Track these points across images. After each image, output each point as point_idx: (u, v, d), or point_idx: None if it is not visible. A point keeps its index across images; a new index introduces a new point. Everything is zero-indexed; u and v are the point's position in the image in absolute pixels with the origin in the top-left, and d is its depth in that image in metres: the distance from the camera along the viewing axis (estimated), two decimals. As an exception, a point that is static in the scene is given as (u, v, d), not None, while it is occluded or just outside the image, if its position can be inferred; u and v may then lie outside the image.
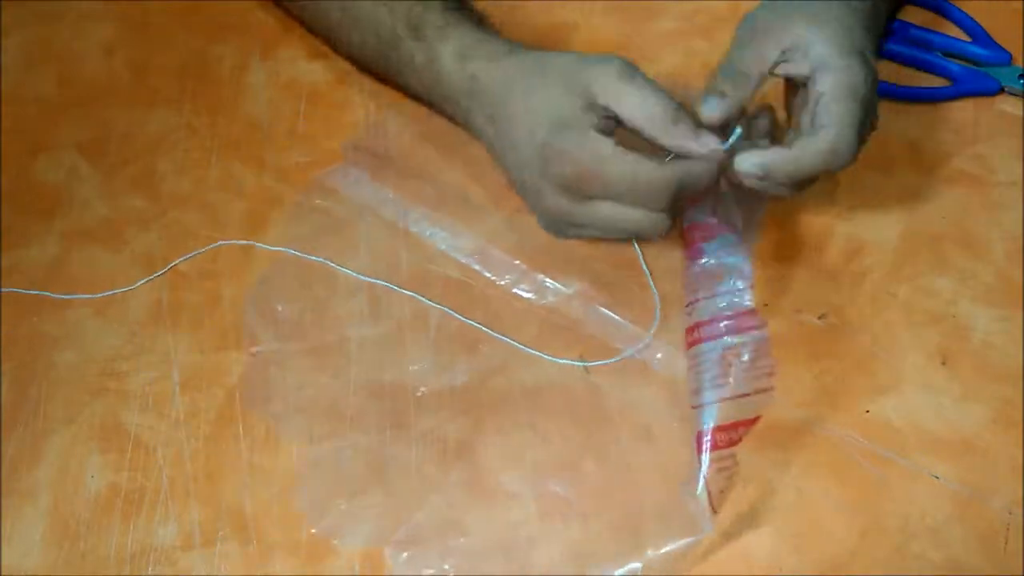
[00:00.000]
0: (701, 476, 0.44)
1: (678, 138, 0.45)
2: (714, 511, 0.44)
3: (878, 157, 0.55)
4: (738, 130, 0.47)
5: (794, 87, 0.50)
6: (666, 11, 0.64)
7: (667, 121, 0.45)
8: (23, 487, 0.50)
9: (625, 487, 0.48)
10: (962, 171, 0.56)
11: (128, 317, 0.54)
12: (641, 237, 0.51)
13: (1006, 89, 0.59)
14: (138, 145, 0.61)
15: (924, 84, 0.60)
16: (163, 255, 0.56)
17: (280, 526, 0.48)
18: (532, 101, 0.48)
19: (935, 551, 0.45)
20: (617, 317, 0.53)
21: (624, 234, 0.48)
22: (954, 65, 0.60)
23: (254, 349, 0.53)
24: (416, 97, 0.57)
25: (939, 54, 0.61)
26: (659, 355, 0.51)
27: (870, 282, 0.53)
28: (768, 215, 0.54)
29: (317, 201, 0.57)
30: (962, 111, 0.58)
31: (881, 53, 0.59)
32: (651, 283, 0.53)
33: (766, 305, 0.52)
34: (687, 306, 0.48)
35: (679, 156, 0.46)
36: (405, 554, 0.47)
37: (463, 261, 0.55)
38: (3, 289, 0.55)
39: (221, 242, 0.56)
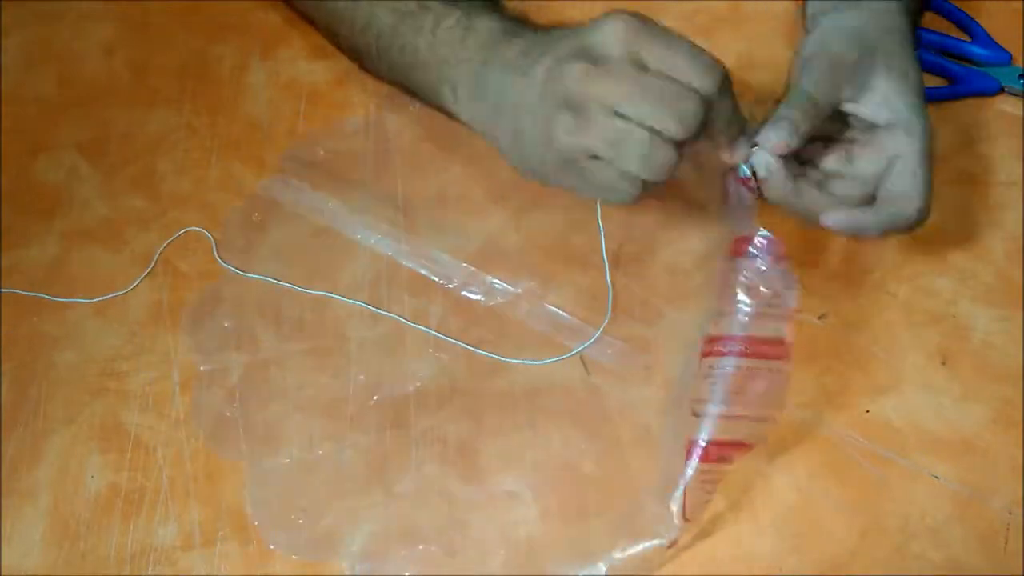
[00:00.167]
0: (682, 482, 0.44)
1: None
2: (686, 519, 0.44)
3: (878, 157, 0.55)
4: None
5: (842, 122, 0.50)
6: (666, 11, 0.64)
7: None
8: (23, 487, 0.50)
9: (625, 487, 0.48)
10: (962, 171, 0.56)
11: (128, 317, 0.54)
12: (649, 169, 0.44)
13: (1006, 89, 0.59)
14: (138, 145, 0.61)
15: (924, 84, 0.60)
16: (163, 256, 0.56)
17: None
18: (565, 39, 0.47)
19: (935, 551, 0.46)
20: (565, 314, 0.53)
21: (631, 161, 0.44)
22: (954, 65, 0.60)
23: (203, 367, 0.53)
24: (410, 78, 0.56)
25: (939, 54, 0.61)
26: (609, 351, 0.52)
27: (870, 282, 0.53)
28: (769, 215, 0.54)
29: (256, 214, 0.57)
30: (962, 111, 0.58)
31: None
32: (607, 275, 0.53)
33: (766, 305, 0.52)
34: (714, 315, 0.47)
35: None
36: (408, 551, 0.47)
37: (409, 266, 0.55)
38: (3, 290, 0.55)
39: (188, 228, 0.57)
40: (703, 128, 0.44)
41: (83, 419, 0.51)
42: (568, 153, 0.45)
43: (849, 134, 0.50)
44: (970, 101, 0.59)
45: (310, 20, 0.63)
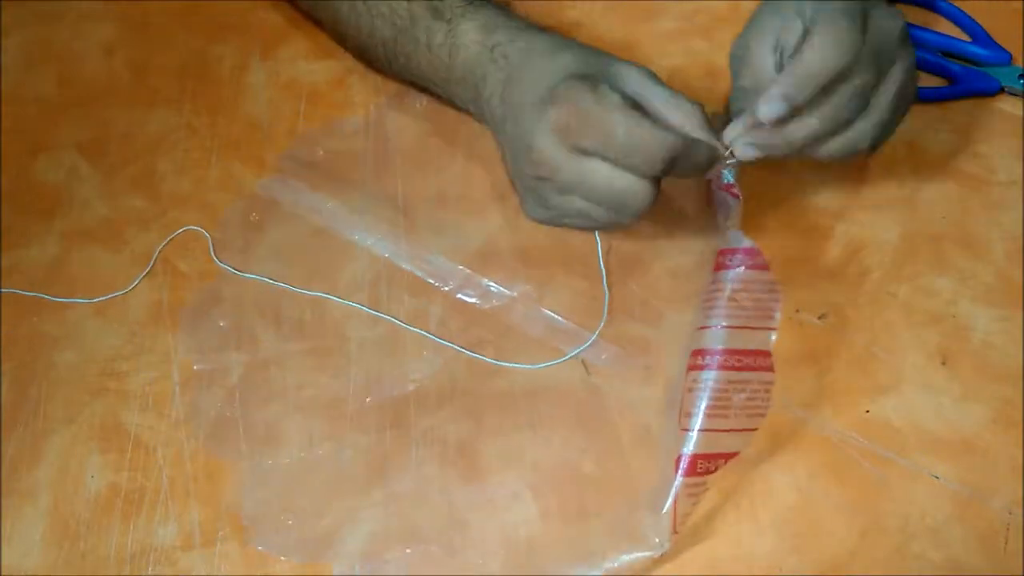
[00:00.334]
0: (671, 495, 0.44)
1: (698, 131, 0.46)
2: (675, 531, 0.44)
3: (878, 157, 0.55)
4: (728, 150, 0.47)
5: None
6: (666, 11, 0.64)
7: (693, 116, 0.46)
8: (23, 487, 0.50)
9: (625, 488, 0.48)
10: (962, 171, 0.56)
11: (128, 317, 0.54)
12: (624, 209, 0.46)
13: (1006, 89, 0.59)
14: (138, 145, 0.61)
15: (924, 84, 0.60)
16: (163, 255, 0.56)
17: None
18: (554, 61, 0.48)
19: (935, 551, 0.46)
20: (560, 318, 0.53)
21: (608, 202, 0.46)
22: (954, 65, 0.60)
23: (196, 366, 0.53)
24: (423, 83, 0.57)
25: (939, 54, 0.61)
26: (604, 356, 0.51)
27: (870, 282, 0.53)
28: (769, 215, 0.55)
29: (254, 214, 0.57)
30: (962, 111, 0.58)
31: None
32: (604, 282, 0.53)
33: (766, 305, 0.52)
34: (699, 328, 0.47)
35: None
36: (408, 551, 0.47)
37: (406, 268, 0.55)
38: (3, 290, 0.55)
39: (187, 227, 0.57)
40: (657, 198, 0.45)
41: (83, 419, 0.51)
42: (541, 219, 0.50)
43: None
44: (970, 101, 0.59)
45: (316, 21, 0.63)
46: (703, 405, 0.44)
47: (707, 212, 0.54)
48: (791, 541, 0.46)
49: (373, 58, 0.59)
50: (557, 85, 0.46)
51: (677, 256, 0.54)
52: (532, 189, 0.48)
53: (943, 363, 0.50)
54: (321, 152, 0.59)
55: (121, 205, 0.58)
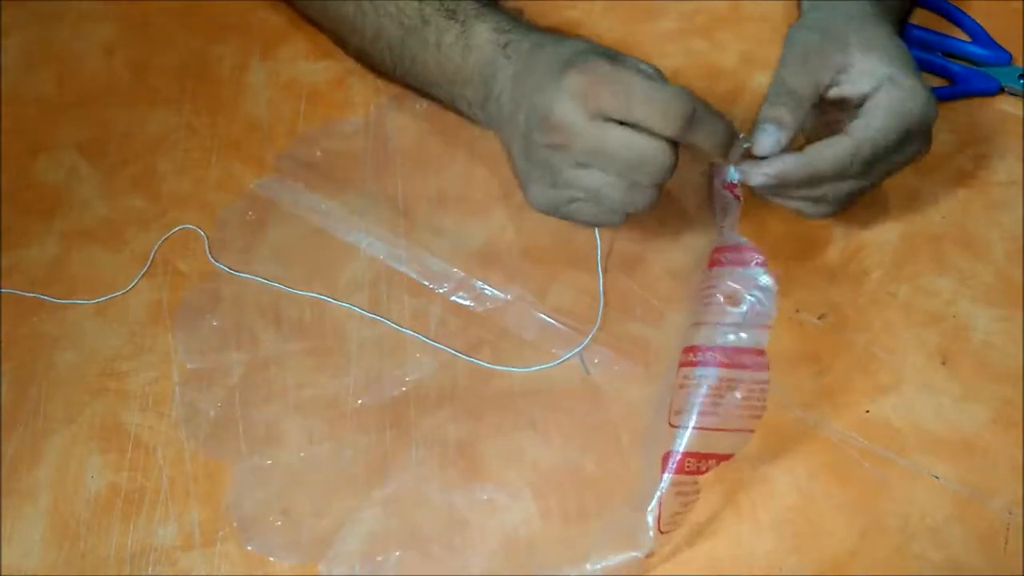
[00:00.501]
0: (658, 494, 0.43)
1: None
2: (660, 531, 0.43)
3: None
4: (741, 135, 0.47)
5: (839, 110, 0.49)
6: (666, 11, 0.64)
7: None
8: (23, 487, 0.50)
9: (624, 488, 0.48)
10: (962, 171, 0.56)
11: (128, 317, 0.54)
12: (643, 173, 0.45)
13: (1006, 89, 0.59)
14: (138, 145, 0.61)
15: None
16: (163, 255, 0.56)
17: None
18: (566, 45, 0.48)
19: (935, 551, 0.46)
20: (554, 321, 0.53)
21: (627, 166, 0.45)
22: (954, 65, 0.60)
23: (190, 365, 0.53)
24: (427, 86, 0.57)
25: (939, 54, 0.61)
26: (604, 356, 0.51)
27: (870, 282, 0.53)
28: (769, 215, 0.55)
29: (250, 213, 0.57)
30: (962, 111, 0.58)
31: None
32: (600, 284, 0.53)
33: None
34: (692, 326, 0.46)
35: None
36: (408, 551, 0.47)
37: (401, 270, 0.55)
38: (3, 290, 0.55)
39: (183, 226, 0.57)
40: (675, 166, 0.45)
41: (83, 419, 0.51)
42: (548, 205, 0.49)
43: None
44: (970, 101, 0.59)
45: (316, 24, 0.63)
46: (694, 402, 0.44)
47: (708, 211, 0.55)
48: (791, 541, 0.46)
49: (377, 61, 0.59)
50: (574, 58, 0.46)
51: (678, 256, 0.54)
52: (543, 164, 0.47)
53: (943, 363, 0.50)
54: (320, 152, 0.59)
55: (121, 205, 0.58)
